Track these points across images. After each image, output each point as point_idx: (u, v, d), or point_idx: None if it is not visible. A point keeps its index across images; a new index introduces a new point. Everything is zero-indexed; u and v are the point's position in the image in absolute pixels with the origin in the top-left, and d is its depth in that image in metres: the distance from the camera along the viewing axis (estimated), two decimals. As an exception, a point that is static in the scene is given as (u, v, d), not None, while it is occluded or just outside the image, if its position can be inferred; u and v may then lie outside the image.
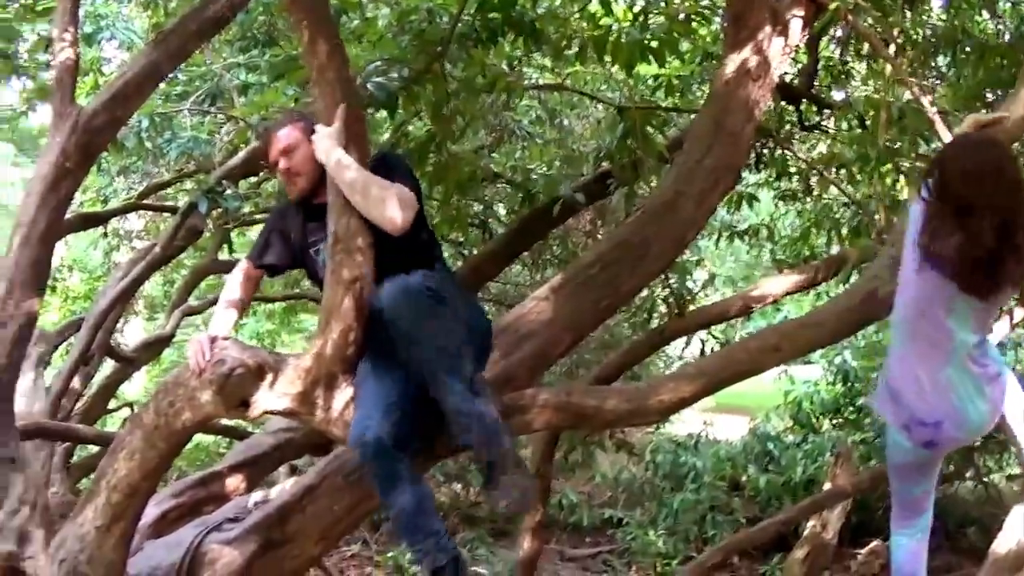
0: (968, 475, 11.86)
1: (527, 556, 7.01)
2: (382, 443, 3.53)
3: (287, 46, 6.41)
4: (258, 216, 10.10)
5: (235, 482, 5.16)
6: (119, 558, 4.02)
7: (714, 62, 7.08)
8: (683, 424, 13.82)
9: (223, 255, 10.84)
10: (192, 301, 11.56)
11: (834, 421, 12.82)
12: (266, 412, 3.69)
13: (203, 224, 8.59)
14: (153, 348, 10.79)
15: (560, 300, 4.33)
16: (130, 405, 13.07)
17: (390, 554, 10.92)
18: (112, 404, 11.55)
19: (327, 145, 3.71)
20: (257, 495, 4.84)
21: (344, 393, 3.66)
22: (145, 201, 10.22)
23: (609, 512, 12.25)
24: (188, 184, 10.84)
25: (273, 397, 3.62)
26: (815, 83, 7.34)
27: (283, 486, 4.77)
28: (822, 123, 8.20)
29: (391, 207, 3.66)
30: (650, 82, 7.04)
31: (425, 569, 3.78)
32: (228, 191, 7.56)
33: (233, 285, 4.34)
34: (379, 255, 3.85)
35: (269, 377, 3.61)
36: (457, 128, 5.89)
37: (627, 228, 5.01)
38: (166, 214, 11.84)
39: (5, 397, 4.57)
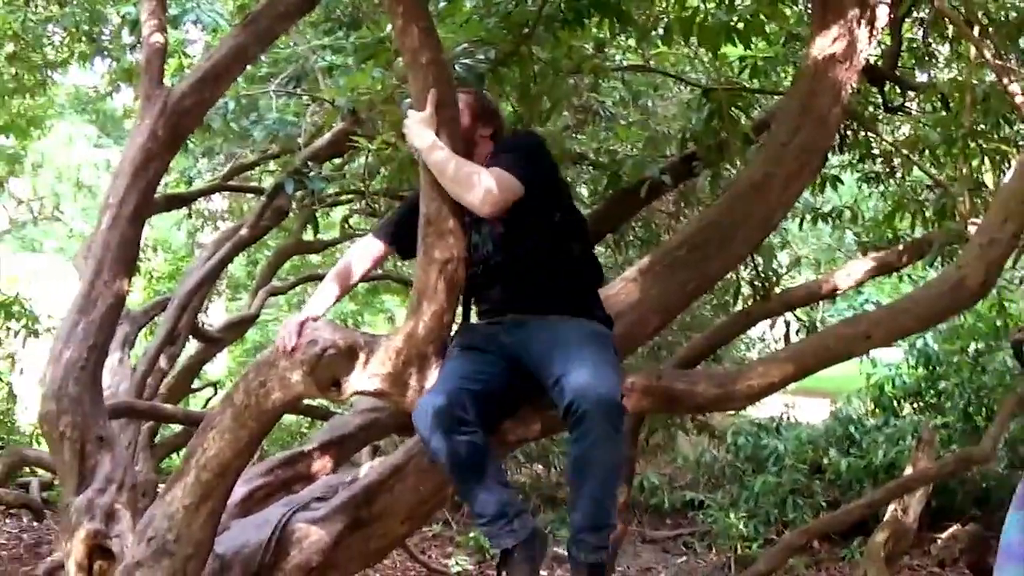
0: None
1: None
2: (447, 434, 3.53)
3: (373, 28, 6.41)
4: (342, 197, 10.19)
5: (322, 462, 5.20)
6: (207, 536, 4.06)
7: (799, 44, 7.02)
8: (765, 407, 13.75)
9: (307, 236, 10.93)
10: (276, 282, 11.67)
11: (915, 405, 12.72)
12: (357, 393, 3.71)
13: (288, 205, 8.65)
14: (237, 328, 10.93)
15: (648, 282, 4.31)
16: (214, 385, 13.26)
17: (471, 534, 10.98)
18: (195, 384, 11.71)
19: (418, 129, 3.71)
20: (344, 475, 4.87)
21: (435, 374, 3.67)
22: (230, 182, 10.28)
23: (690, 495, 12.28)
24: (271, 165, 10.92)
25: (364, 378, 3.63)
26: (898, 65, 7.24)
27: (370, 465, 4.80)
28: (905, 105, 8.11)
29: (478, 189, 3.63)
30: (735, 64, 6.98)
31: (495, 549, 3.78)
32: (313, 172, 7.63)
33: (351, 260, 4.24)
34: (510, 236, 3.89)
35: (361, 358, 3.63)
36: (543, 110, 5.88)
37: (714, 210, 4.99)
38: (249, 195, 12.01)
39: (94, 377, 4.64)
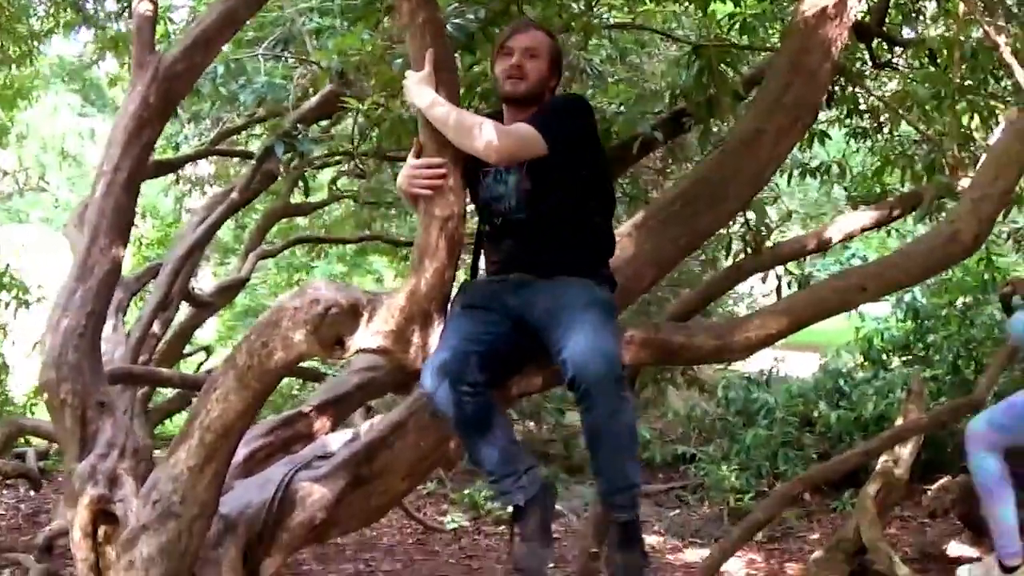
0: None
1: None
2: (456, 391, 3.59)
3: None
4: (331, 159, 10.22)
5: (321, 421, 5.26)
6: (211, 497, 4.12)
7: (786, 1, 7.07)
8: (754, 361, 13.83)
9: (295, 199, 10.97)
10: (265, 246, 11.71)
11: (904, 358, 12.78)
12: (360, 351, 3.76)
13: (277, 168, 8.67)
14: (228, 292, 10.97)
15: (642, 236, 4.38)
16: (205, 349, 13.31)
17: (466, 491, 11.08)
18: (187, 349, 11.74)
19: (418, 89, 3.75)
20: (345, 433, 4.93)
21: (437, 331, 3.72)
22: (217, 147, 10.30)
23: (681, 448, 12.34)
24: (257, 129, 10.94)
25: (367, 335, 3.69)
26: (886, 21, 7.28)
27: (371, 423, 4.85)
28: (893, 61, 8.15)
29: (481, 137, 3.67)
30: (723, 21, 7.01)
31: (503, 508, 3.84)
32: (301, 135, 7.65)
33: None
34: (536, 192, 3.95)
35: (364, 316, 3.69)
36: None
37: (707, 166, 5.07)
38: (236, 160, 12.04)
39: (93, 343, 4.68)
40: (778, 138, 4.88)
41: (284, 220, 12.90)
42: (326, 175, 11.98)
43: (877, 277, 4.23)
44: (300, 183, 9.91)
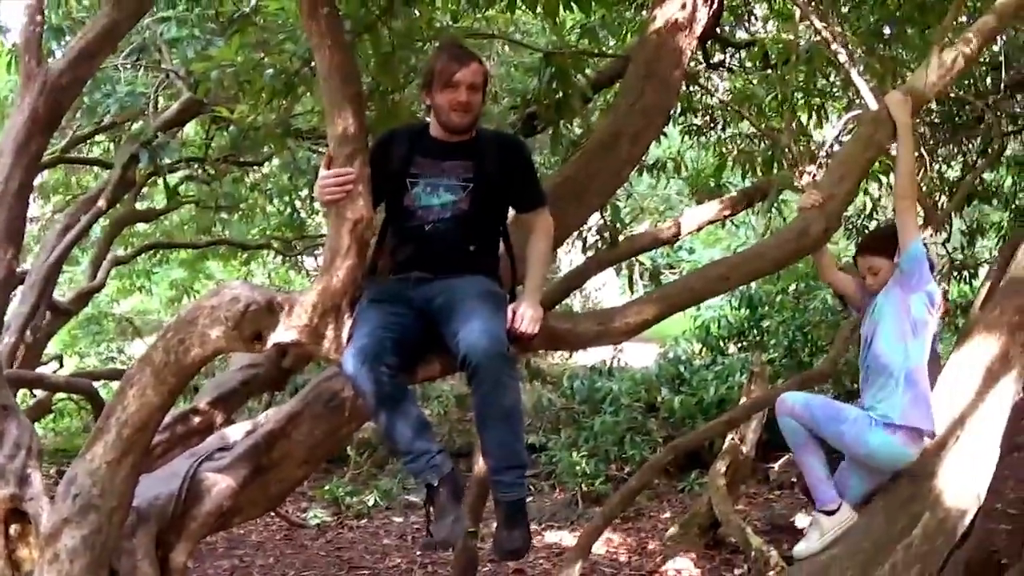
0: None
1: (482, 474, 7.42)
2: (374, 369, 3.87)
3: (227, 2, 6.64)
4: (178, 165, 10.34)
5: (212, 416, 5.48)
6: (129, 488, 4.30)
7: (623, 7, 7.48)
8: (594, 353, 14.30)
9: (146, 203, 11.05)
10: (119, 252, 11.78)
11: (740, 344, 13.38)
12: (277, 344, 4.00)
13: (135, 175, 8.82)
14: (84, 299, 11.00)
15: (513, 233, 4.67)
16: (58, 358, 13.27)
17: (326, 487, 11.31)
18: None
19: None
20: (242, 426, 5.17)
21: (348, 325, 4.00)
22: (70, 155, 10.36)
23: (531, 439, 12.51)
24: (100, 137, 11.03)
25: (283, 331, 3.92)
26: (719, 22, 7.71)
27: (266, 415, 5.11)
28: (724, 61, 8.62)
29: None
30: (570, 29, 7.38)
31: (420, 486, 4.14)
32: (166, 143, 7.83)
33: None
34: (471, 216, 4.29)
35: (279, 312, 3.94)
36: (402, 76, 6.18)
37: (571, 167, 5.46)
38: (78, 167, 12.08)
39: (-7, 348, 4.84)
40: (634, 140, 5.30)
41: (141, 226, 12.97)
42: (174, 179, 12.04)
43: (740, 267, 4.62)
44: (163, 189, 10.00)
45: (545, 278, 4.45)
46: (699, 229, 7.24)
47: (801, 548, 4.89)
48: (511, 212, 4.55)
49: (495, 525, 4.13)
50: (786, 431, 5.06)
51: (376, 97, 6.15)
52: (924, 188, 7.71)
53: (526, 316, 4.07)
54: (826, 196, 4.55)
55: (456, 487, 4.04)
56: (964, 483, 4.64)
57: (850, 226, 9.84)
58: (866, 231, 10.18)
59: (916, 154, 5.38)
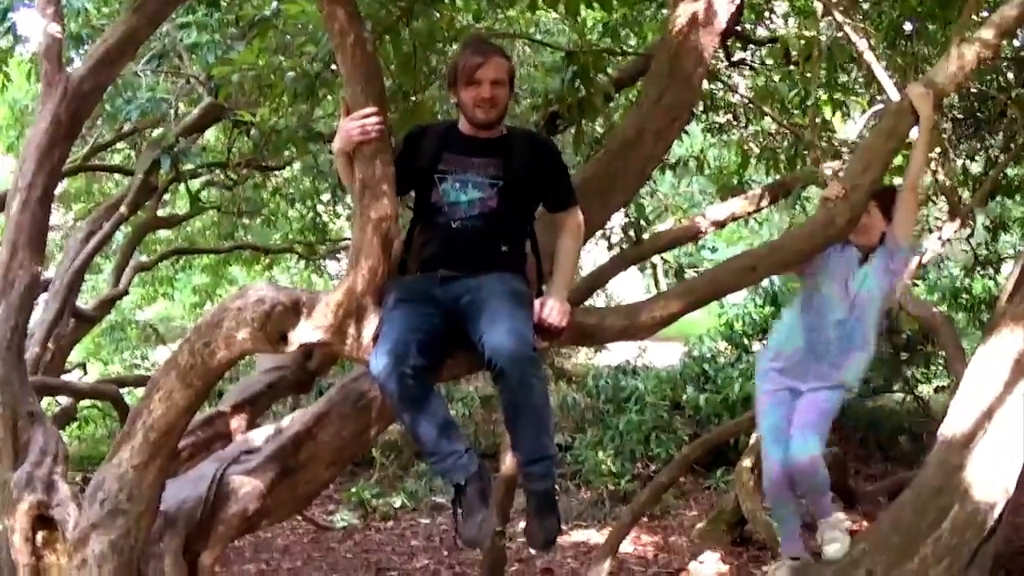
0: (896, 387, 12.48)
1: (509, 473, 7.43)
2: (400, 370, 3.84)
3: (247, 5, 6.65)
4: (200, 171, 10.36)
5: (238, 420, 5.50)
6: (156, 492, 4.32)
7: (645, 5, 7.45)
8: (618, 352, 14.28)
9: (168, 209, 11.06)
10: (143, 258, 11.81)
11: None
12: (302, 344, 4.00)
13: (157, 181, 8.84)
14: (107, 306, 11.02)
15: (539, 230, 4.64)
16: (82, 366, 13.30)
17: (353, 490, 11.31)
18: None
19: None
20: (267, 429, 5.17)
21: (373, 324, 3.99)
22: (91, 162, 10.39)
23: (557, 438, 12.48)
24: (121, 144, 11.05)
25: (308, 330, 3.93)
26: (740, 20, 7.69)
27: (292, 416, 5.10)
28: (746, 59, 8.59)
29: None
30: (592, 27, 7.36)
31: (447, 486, 4.14)
32: (187, 148, 7.84)
33: None
34: (498, 214, 4.27)
35: (304, 312, 3.94)
36: (423, 77, 6.17)
37: (595, 164, 5.44)
38: (100, 174, 12.11)
39: (19, 356, 4.83)
40: (658, 137, 5.28)
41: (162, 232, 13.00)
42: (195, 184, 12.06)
43: (767, 258, 4.61)
44: (187, 195, 10.01)
45: (574, 275, 4.43)
46: (723, 225, 7.23)
47: (836, 548, 4.86)
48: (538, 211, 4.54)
49: (524, 519, 4.16)
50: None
51: (398, 98, 6.14)
52: (948, 183, 7.68)
53: (555, 309, 4.08)
54: (849, 187, 4.53)
55: (484, 486, 4.03)
56: (992, 476, 4.61)
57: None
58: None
59: (939, 149, 5.36)
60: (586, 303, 6.39)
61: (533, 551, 4.13)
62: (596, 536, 9.86)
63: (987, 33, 4.72)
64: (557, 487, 4.29)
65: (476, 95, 4.21)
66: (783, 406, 5.07)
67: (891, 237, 4.83)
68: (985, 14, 5.63)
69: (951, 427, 4.76)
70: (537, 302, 4.10)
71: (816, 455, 4.93)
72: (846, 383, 5.05)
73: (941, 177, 7.33)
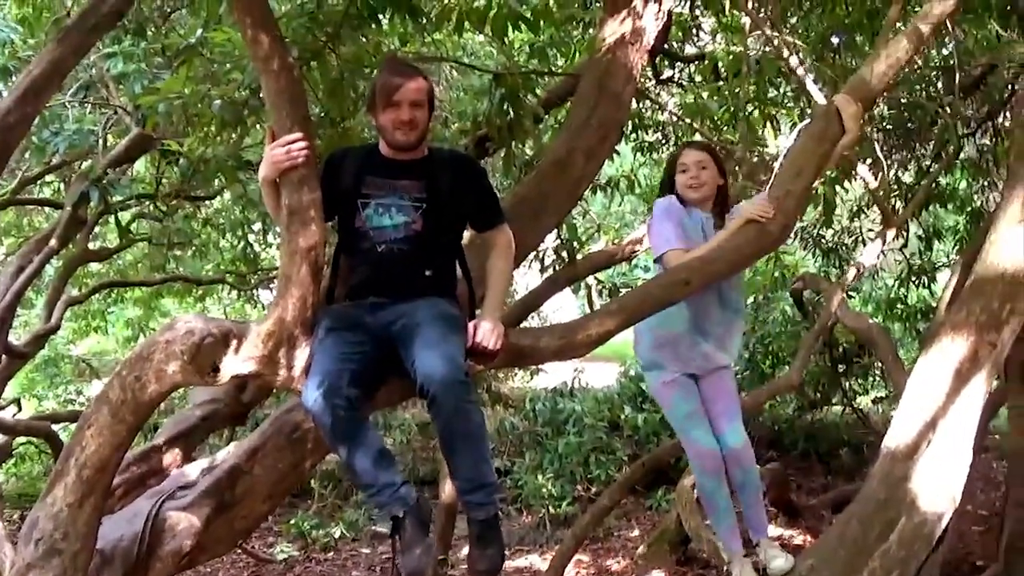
0: (835, 400, 12.56)
1: (449, 501, 7.39)
2: (333, 402, 3.80)
3: (172, 34, 6.59)
4: (128, 202, 10.25)
5: (172, 455, 5.43)
6: (92, 530, 4.22)
7: (571, 26, 7.46)
8: (555, 374, 14.29)
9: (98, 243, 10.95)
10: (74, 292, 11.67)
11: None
12: (234, 376, 3.94)
13: (86, 214, 8.73)
14: (40, 341, 10.86)
15: (471, 255, 4.62)
16: (16, 402, 13.12)
17: (292, 522, 11.22)
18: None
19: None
20: (201, 463, 5.09)
21: (304, 353, 3.95)
22: (20, 196, 10.27)
23: (496, 463, 12.45)
24: (50, 177, 10.92)
25: (239, 361, 3.87)
26: (667, 38, 7.72)
27: (227, 450, 5.03)
28: (674, 77, 8.63)
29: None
30: (519, 48, 7.37)
31: (383, 519, 4.08)
32: (115, 180, 7.75)
33: None
34: (424, 236, 4.25)
35: (234, 343, 3.89)
36: (350, 103, 6.13)
37: (526, 186, 5.43)
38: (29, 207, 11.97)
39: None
40: (589, 156, 5.28)
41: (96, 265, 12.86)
42: (125, 217, 11.93)
43: (699, 271, 4.56)
44: (115, 227, 9.90)
45: (506, 295, 4.40)
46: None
47: (780, 564, 4.86)
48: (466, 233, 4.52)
49: (467, 547, 4.11)
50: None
51: (326, 124, 6.11)
52: (882, 193, 7.73)
53: (488, 331, 4.04)
54: (782, 195, 4.52)
55: (422, 517, 4.00)
56: (939, 486, 4.60)
57: (806, 235, 9.87)
58: (822, 240, 10.25)
59: (871, 159, 5.40)
60: (521, 325, 6.38)
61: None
62: (539, 562, 9.84)
63: (923, 25, 4.75)
64: (500, 513, 4.24)
65: (395, 117, 4.20)
66: (690, 393, 5.10)
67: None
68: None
69: (895, 438, 4.75)
70: (471, 325, 4.06)
71: (747, 439, 5.01)
72: (734, 358, 5.23)
73: (874, 186, 7.38)
